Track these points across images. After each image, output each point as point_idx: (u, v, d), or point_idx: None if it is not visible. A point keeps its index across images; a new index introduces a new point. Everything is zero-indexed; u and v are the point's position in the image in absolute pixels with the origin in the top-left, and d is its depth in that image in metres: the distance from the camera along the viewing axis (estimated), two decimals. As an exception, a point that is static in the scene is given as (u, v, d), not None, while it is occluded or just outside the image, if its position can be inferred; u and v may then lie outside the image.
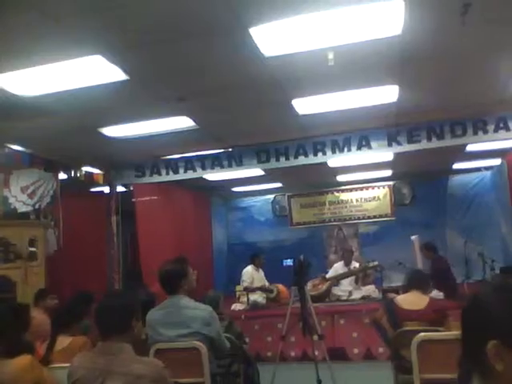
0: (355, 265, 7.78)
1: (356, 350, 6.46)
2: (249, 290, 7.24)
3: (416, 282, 4.02)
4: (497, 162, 8.67)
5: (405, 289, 4.16)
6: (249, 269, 7.49)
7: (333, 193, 10.50)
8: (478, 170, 9.53)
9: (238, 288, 7.61)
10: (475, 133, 5.89)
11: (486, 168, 9.43)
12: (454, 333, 3.31)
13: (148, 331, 3.35)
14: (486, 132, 5.85)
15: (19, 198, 6.04)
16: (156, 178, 7.14)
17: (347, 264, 7.75)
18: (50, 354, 3.18)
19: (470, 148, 7.24)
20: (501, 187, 8.39)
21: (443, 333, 3.40)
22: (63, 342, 3.28)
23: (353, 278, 7.60)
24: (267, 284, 7.55)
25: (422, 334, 3.27)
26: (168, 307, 3.36)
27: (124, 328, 2.28)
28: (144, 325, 3.29)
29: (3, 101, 4.35)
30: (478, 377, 1.12)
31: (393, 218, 10.07)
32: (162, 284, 3.42)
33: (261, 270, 7.62)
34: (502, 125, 5.78)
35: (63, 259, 6.51)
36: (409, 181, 10.07)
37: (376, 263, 7.42)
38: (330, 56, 3.76)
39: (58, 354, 3.16)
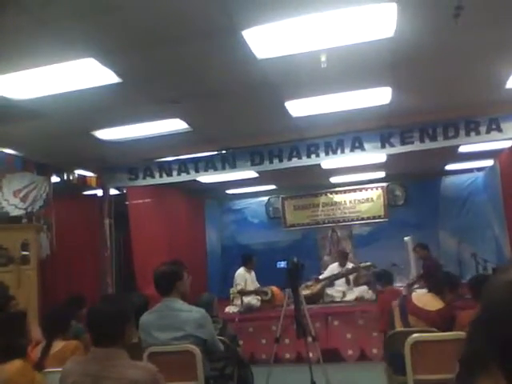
0: (350, 266, 7.82)
1: (350, 352, 6.47)
2: (243, 292, 7.24)
3: (437, 285, 3.95)
4: (489, 163, 8.70)
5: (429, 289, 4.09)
6: (241, 271, 7.47)
7: (326, 194, 10.50)
8: (470, 171, 9.56)
9: (233, 290, 7.59)
10: (468, 134, 5.90)
11: (479, 169, 9.46)
12: (447, 334, 3.33)
13: (141, 334, 3.33)
14: (478, 133, 5.86)
15: (11, 201, 6.00)
16: (149, 181, 7.10)
17: (342, 266, 7.80)
18: (44, 358, 3.16)
19: (462, 149, 7.27)
20: (493, 188, 8.41)
21: (436, 334, 3.40)
22: (56, 346, 3.26)
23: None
24: (258, 286, 7.53)
25: (415, 334, 3.28)
26: (161, 310, 3.34)
27: (116, 334, 2.24)
28: (137, 328, 3.28)
29: (-5, 104, 4.33)
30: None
31: (386, 220, 10.08)
32: (157, 284, 3.39)
33: (253, 272, 7.60)
34: (494, 126, 5.79)
35: (56, 263, 6.47)
36: (402, 182, 10.08)
37: (369, 263, 7.44)
38: (323, 58, 3.76)
39: (50, 359, 3.14)
